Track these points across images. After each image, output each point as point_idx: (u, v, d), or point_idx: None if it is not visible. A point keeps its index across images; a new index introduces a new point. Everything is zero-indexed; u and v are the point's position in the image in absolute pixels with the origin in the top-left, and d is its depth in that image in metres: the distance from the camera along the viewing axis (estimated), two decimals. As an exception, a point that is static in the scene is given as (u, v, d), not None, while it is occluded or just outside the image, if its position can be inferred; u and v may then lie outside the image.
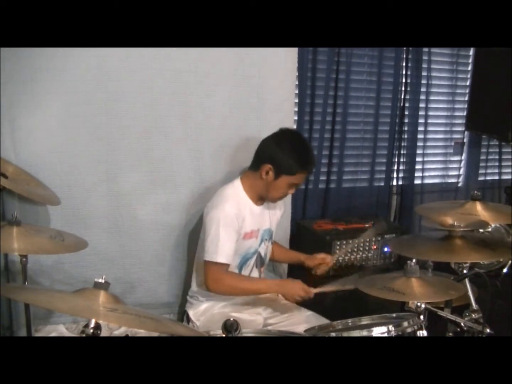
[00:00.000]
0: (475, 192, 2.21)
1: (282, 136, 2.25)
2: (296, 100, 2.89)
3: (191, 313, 2.30)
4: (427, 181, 3.54)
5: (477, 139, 3.65)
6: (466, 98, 3.57)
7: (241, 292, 2.24)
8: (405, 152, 3.40)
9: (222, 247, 2.14)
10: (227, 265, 2.17)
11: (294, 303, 2.28)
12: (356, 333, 1.72)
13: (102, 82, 2.30)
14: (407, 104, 3.34)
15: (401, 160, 3.39)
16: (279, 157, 2.18)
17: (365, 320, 1.86)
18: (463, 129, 3.59)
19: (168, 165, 2.48)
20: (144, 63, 2.36)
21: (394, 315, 1.85)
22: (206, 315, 2.27)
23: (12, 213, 1.87)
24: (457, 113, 3.58)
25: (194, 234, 2.47)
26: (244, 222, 2.24)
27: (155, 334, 1.78)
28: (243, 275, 2.29)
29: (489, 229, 2.68)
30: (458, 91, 3.57)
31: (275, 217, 2.42)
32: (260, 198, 2.32)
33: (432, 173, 3.60)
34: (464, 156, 3.68)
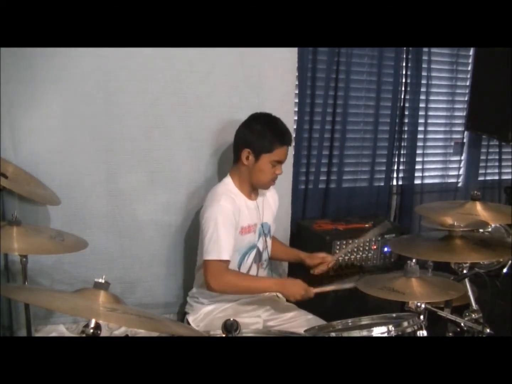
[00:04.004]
0: (475, 192, 2.20)
1: (251, 120, 2.29)
2: (296, 100, 2.89)
3: (190, 319, 2.29)
4: (427, 181, 3.54)
5: (477, 139, 3.65)
6: (466, 98, 3.57)
7: (242, 290, 2.23)
8: (405, 152, 3.40)
9: (221, 244, 2.13)
10: (228, 262, 2.16)
11: (295, 301, 2.27)
12: (356, 333, 1.71)
13: (102, 82, 2.31)
14: (407, 104, 3.34)
15: (401, 160, 3.40)
16: (253, 138, 2.22)
17: (365, 320, 1.85)
18: (463, 129, 3.59)
19: (168, 165, 2.48)
20: (144, 63, 2.36)
21: (394, 315, 1.85)
22: (205, 321, 2.26)
23: (12, 213, 1.88)
24: (457, 113, 3.58)
25: (194, 234, 2.47)
26: (241, 217, 2.23)
27: (155, 334, 1.78)
28: (244, 273, 2.29)
29: (489, 229, 2.68)
30: (458, 91, 3.57)
31: (270, 212, 2.42)
32: (253, 192, 2.32)
33: (432, 173, 3.60)
34: (464, 156, 3.68)
